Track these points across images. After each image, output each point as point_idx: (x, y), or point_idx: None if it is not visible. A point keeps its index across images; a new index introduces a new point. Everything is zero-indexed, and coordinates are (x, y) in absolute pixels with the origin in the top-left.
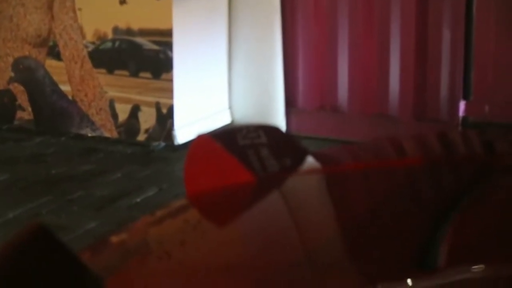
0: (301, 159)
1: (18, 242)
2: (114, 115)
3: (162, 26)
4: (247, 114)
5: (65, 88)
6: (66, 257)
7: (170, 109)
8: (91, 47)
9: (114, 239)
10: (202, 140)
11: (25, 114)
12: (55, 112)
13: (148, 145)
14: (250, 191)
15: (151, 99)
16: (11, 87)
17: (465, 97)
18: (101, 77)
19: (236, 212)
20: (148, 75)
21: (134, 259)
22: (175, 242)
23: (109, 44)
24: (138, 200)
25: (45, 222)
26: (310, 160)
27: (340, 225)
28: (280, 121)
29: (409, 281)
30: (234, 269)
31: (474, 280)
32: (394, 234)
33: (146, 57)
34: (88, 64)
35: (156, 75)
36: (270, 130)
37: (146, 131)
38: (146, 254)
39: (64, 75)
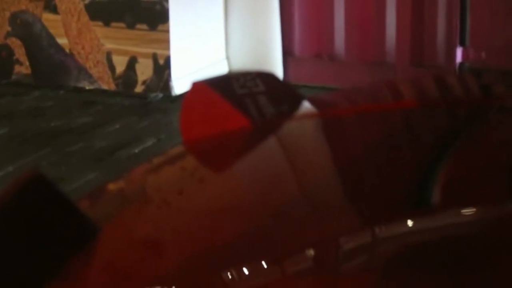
0: (298, 106)
1: (15, 190)
2: (112, 68)
3: None
4: (244, 64)
5: (62, 41)
6: (63, 204)
7: (167, 60)
8: (87, 0)
9: (112, 187)
10: (198, 88)
11: (23, 68)
12: (53, 66)
13: (145, 96)
14: (247, 136)
15: (148, 50)
16: (8, 41)
17: (462, 43)
18: (98, 29)
19: (233, 158)
20: (144, 26)
21: (132, 207)
22: (173, 190)
23: None
24: (137, 151)
25: (44, 173)
26: (306, 105)
27: (337, 167)
28: (277, 70)
29: (405, 223)
30: (233, 212)
31: (467, 222)
32: (390, 176)
33: (142, 8)
34: (85, 17)
35: (153, 26)
36: (267, 78)
37: (144, 82)
38: (144, 202)
39: (61, 29)
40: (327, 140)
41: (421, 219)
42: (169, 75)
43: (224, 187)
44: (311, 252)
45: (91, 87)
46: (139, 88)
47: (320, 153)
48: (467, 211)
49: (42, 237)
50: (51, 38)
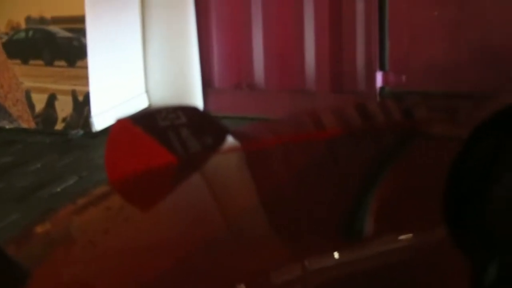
0: (221, 138)
1: None
2: (31, 106)
3: (74, 12)
4: (164, 97)
5: None
6: None
7: (87, 96)
8: (4, 38)
9: (38, 229)
10: (122, 125)
11: None
12: None
13: (66, 133)
14: (172, 172)
15: (67, 87)
16: None
17: (382, 68)
18: (16, 67)
19: (159, 195)
20: (63, 63)
21: (59, 249)
22: (99, 230)
23: (22, 34)
24: (59, 189)
25: None
26: (230, 139)
27: (264, 200)
28: (197, 102)
29: (336, 254)
30: (160, 250)
31: (401, 248)
32: (318, 206)
33: (60, 45)
34: (3, 55)
35: (71, 63)
36: (189, 110)
37: (64, 119)
38: (71, 243)
39: None
40: (253, 173)
41: (353, 250)
42: (89, 111)
43: (151, 225)
44: (242, 287)
45: (11, 126)
46: (59, 126)
47: (247, 187)
48: (399, 238)
49: None
50: None
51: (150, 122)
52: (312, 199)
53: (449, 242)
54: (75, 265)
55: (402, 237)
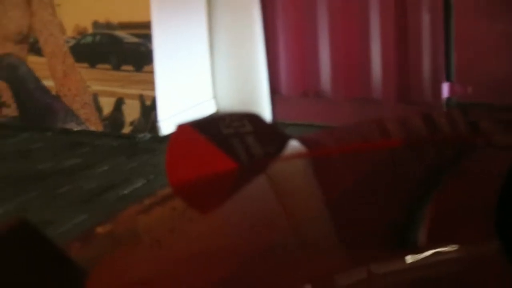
0: (284, 146)
1: None
2: (99, 109)
3: (141, 18)
4: (231, 103)
5: (49, 83)
6: (49, 250)
7: (154, 101)
8: (72, 42)
9: (102, 229)
10: (182, 130)
11: (10, 111)
12: (39, 108)
13: (133, 137)
14: (234, 177)
15: (134, 91)
16: None
17: (448, 79)
18: (84, 71)
19: (222, 198)
20: (130, 68)
21: (122, 248)
22: (164, 230)
23: (89, 39)
24: (126, 192)
25: (32, 217)
26: (295, 145)
27: (326, 206)
28: (264, 109)
29: (401, 260)
30: (223, 253)
31: (453, 259)
32: (379, 214)
33: (127, 50)
34: (70, 59)
35: (138, 67)
36: (254, 118)
37: (131, 123)
38: (135, 243)
39: (47, 71)
40: (316, 180)
41: (408, 258)
42: (155, 115)
43: (215, 227)
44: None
45: (79, 128)
46: (126, 129)
47: (310, 193)
48: (450, 250)
49: (29, 284)
50: (37, 80)
51: (211, 129)
52: (372, 206)
53: (500, 254)
54: (138, 265)
55: (454, 248)
